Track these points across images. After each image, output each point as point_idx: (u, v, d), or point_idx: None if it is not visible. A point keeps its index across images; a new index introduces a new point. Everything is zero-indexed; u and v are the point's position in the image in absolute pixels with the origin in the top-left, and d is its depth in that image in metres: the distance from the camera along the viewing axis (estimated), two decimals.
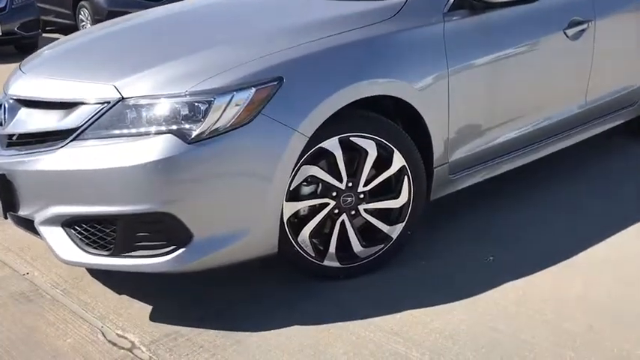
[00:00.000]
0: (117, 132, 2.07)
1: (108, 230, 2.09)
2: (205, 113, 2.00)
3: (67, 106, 2.18)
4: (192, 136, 1.99)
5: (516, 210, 2.99)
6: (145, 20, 2.99)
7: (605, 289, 2.30)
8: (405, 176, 2.40)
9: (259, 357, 2.00)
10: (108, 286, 2.47)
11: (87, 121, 2.10)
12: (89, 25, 10.61)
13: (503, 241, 2.69)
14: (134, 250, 2.09)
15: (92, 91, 2.15)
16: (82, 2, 10.64)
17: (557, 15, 3.00)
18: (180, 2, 3.32)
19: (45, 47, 2.90)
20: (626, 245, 2.63)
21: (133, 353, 2.06)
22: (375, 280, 2.41)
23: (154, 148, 1.98)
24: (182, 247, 2.06)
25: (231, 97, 2.02)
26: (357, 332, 2.11)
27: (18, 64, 2.70)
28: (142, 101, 2.06)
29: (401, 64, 2.39)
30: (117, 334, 2.16)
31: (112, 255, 2.10)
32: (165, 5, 3.29)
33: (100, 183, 2.05)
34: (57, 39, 11.08)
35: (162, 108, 2.04)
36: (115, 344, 2.11)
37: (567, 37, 3.02)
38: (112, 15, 10.33)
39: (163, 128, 2.02)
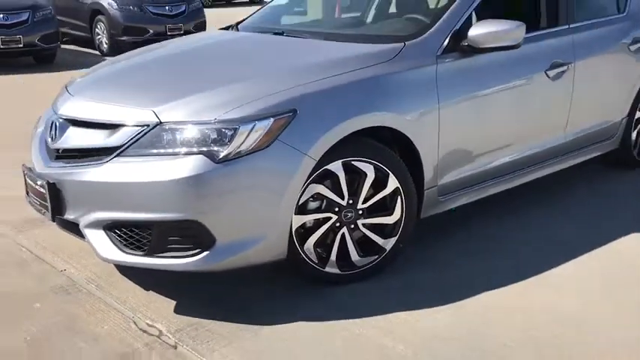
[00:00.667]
0: (155, 151, 2.44)
1: (144, 234, 2.46)
2: (231, 138, 2.38)
3: (112, 126, 2.56)
4: (220, 157, 2.36)
5: (504, 228, 3.36)
6: (179, 50, 3.40)
7: (570, 301, 2.66)
8: (399, 196, 2.77)
9: (271, 345, 2.36)
10: (136, 282, 2.83)
11: (129, 141, 2.48)
12: (105, 39, 11.03)
13: (487, 256, 3.06)
14: (166, 252, 2.45)
15: (134, 115, 2.52)
16: (99, 17, 11.07)
17: (539, 58, 3.38)
18: (208, 34, 3.72)
19: (90, 70, 3.29)
20: (589, 264, 2.99)
21: (161, 339, 2.41)
22: (370, 286, 2.77)
23: (187, 166, 2.36)
24: (207, 250, 2.42)
25: (253, 125, 2.40)
26: (351, 329, 2.46)
27: (38, 72, 3.09)
28: (178, 126, 2.44)
29: (397, 100, 2.76)
30: (147, 324, 2.52)
31: (146, 255, 2.47)
32: (195, 36, 3.68)
33: (140, 194, 2.42)
34: (72, 50, 11.36)
35: (195, 132, 2.41)
36: (145, 331, 2.47)
37: (549, 77, 3.40)
38: (127, 30, 10.80)
39: (195, 149, 2.39)
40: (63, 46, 11.48)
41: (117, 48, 10.84)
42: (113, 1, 10.93)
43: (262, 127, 2.41)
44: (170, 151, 2.42)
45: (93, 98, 2.76)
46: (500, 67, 3.17)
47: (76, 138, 2.66)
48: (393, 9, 3.80)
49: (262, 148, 2.40)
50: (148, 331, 2.47)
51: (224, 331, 2.45)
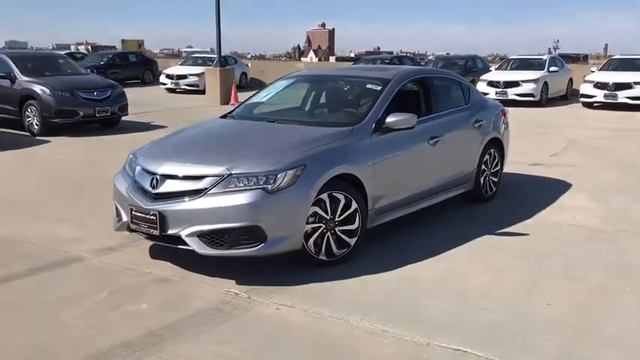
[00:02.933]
0: (229, 189, 4.33)
1: (225, 236, 4.31)
2: (274, 180, 4.34)
3: (199, 178, 4.42)
4: (269, 190, 4.31)
5: (413, 238, 5.51)
6: (216, 130, 5.49)
7: (451, 266, 4.83)
8: (357, 213, 4.82)
9: (303, 293, 4.25)
10: (202, 274, 4.59)
11: (213, 185, 4.36)
12: (35, 121, 12.25)
13: (411, 251, 5.17)
14: (239, 245, 4.32)
15: (214, 170, 4.41)
16: (30, 101, 12.31)
17: (424, 133, 5.67)
18: (226, 121, 5.68)
19: (158, 141, 5.16)
20: (455, 251, 5.21)
21: (238, 297, 4.23)
22: (346, 265, 4.76)
23: (251, 195, 4.27)
24: (262, 243, 4.32)
25: (286, 173, 4.38)
26: (341, 284, 4.43)
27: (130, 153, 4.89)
28: (242, 175, 4.36)
29: (353, 159, 4.87)
30: (225, 291, 4.31)
31: (227, 249, 4.32)
32: (218, 120, 5.71)
33: (221, 213, 4.28)
34: (2, 132, 12.59)
35: (253, 178, 4.35)
36: (226, 294, 4.27)
37: (430, 144, 5.71)
38: (60, 112, 12.17)
39: (254, 187, 4.32)
40: None
41: (48, 129, 12.17)
42: (45, 88, 12.26)
43: (290, 174, 4.40)
44: (239, 188, 4.32)
45: (180, 163, 4.60)
46: (403, 139, 5.41)
47: (172, 186, 4.48)
48: (335, 103, 6.04)
49: (290, 185, 4.38)
50: (228, 293, 4.28)
51: (272, 290, 4.32)
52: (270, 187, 4.33)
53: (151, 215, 4.45)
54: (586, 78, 17.77)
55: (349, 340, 3.60)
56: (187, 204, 4.36)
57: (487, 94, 17.86)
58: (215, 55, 26.43)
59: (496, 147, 6.90)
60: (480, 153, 6.56)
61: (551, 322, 3.83)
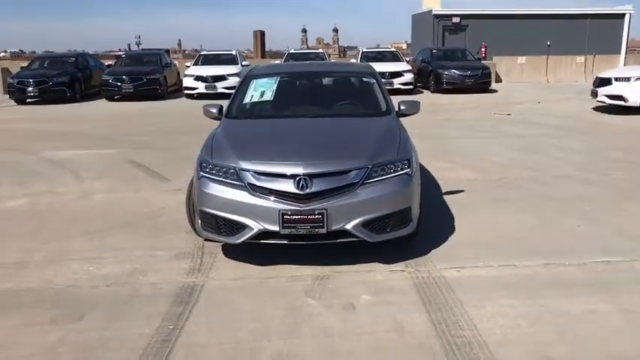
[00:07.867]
0: (376, 179, 4.67)
1: (386, 221, 4.66)
2: (409, 164, 4.85)
3: (345, 172, 4.61)
4: (410, 174, 4.82)
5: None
6: (301, 126, 5.55)
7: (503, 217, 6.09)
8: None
9: (437, 258, 4.94)
10: (339, 265, 4.78)
11: (362, 177, 4.63)
12: None
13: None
14: (397, 228, 4.73)
15: (359, 163, 4.65)
16: None
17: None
18: (293, 120, 5.63)
19: (243, 146, 4.95)
20: (453, 208, 6.50)
21: (407, 272, 4.67)
22: (419, 237, 5.53)
23: (401, 181, 4.73)
24: (411, 222, 4.83)
25: (413, 158, 4.94)
26: (446, 249, 5.26)
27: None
28: (382, 164, 4.74)
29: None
30: (390, 271, 4.68)
31: (389, 232, 4.69)
32: (284, 120, 5.75)
33: (380, 201, 4.62)
34: None
35: (391, 166, 4.77)
36: (394, 272, 4.66)
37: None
38: None
39: (396, 173, 4.76)
40: None
41: None
42: None
43: (415, 158, 4.98)
44: (386, 177, 4.70)
45: (319, 161, 4.62)
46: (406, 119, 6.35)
47: (322, 184, 4.53)
48: (347, 95, 6.47)
49: (415, 169, 4.97)
50: (396, 272, 4.68)
51: (416, 262, 4.88)
52: (409, 171, 4.85)
53: (317, 215, 4.46)
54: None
55: (547, 277, 4.59)
56: (347, 198, 4.54)
57: (196, 88, 18.83)
58: None
59: None
60: None
61: (615, 233, 5.51)
